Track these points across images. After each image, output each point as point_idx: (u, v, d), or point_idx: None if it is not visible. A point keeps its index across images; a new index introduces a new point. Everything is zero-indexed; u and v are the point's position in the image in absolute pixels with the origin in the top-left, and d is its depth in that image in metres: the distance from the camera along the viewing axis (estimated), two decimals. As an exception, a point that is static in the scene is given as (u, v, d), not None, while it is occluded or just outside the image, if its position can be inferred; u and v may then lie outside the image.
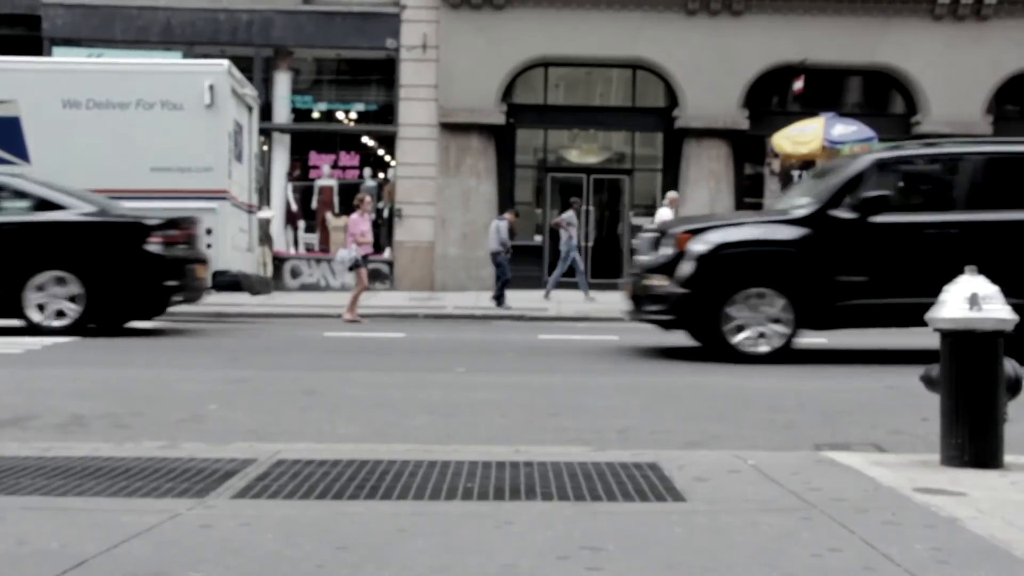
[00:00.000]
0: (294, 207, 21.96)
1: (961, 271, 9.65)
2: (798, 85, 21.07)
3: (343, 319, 14.39)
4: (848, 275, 8.79)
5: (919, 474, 3.73)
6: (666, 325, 9.25)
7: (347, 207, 19.77)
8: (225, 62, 14.52)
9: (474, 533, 2.89)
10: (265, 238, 19.04)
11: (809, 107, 19.77)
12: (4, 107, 13.92)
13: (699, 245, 8.79)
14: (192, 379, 7.16)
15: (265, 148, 20.80)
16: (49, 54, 20.47)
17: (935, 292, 9.17)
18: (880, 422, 5.64)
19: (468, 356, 9.11)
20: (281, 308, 16.33)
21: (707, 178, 21.25)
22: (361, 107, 22.21)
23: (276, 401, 6.23)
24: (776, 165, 21.32)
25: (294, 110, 21.96)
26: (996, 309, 3.82)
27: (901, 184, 9.98)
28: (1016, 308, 9.49)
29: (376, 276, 20.23)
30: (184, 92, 13.99)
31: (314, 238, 21.99)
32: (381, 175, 22.30)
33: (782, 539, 2.85)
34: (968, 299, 3.81)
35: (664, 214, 17.28)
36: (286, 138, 21.97)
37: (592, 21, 20.97)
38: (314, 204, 21.94)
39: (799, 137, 17.51)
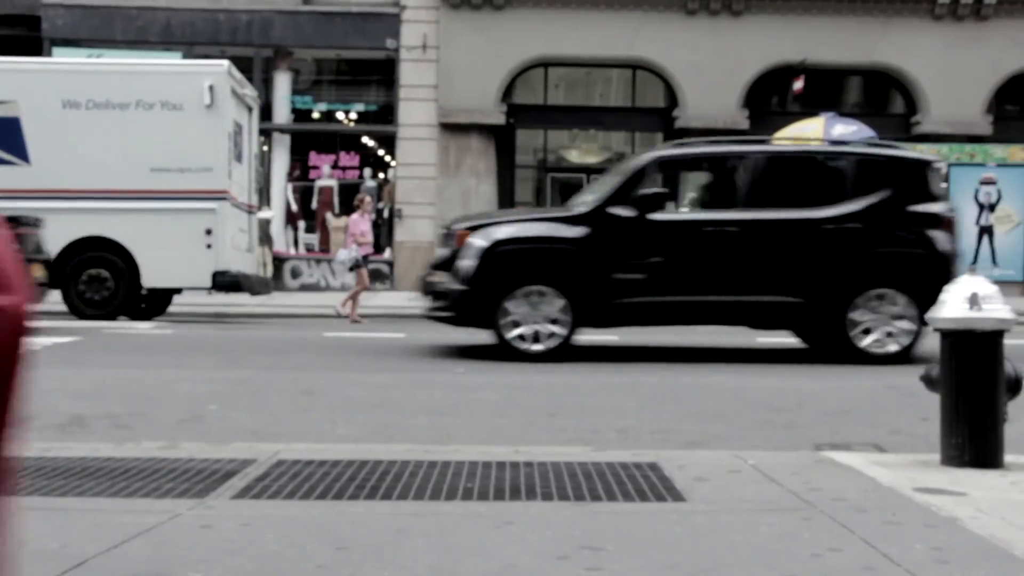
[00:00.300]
0: (294, 207, 21.97)
1: (739, 269, 9.88)
2: (798, 85, 21.08)
3: (348, 317, 14.39)
4: (626, 273, 8.79)
5: (919, 474, 3.73)
6: (447, 322, 9.24)
7: (347, 207, 19.78)
8: (225, 62, 14.52)
9: (474, 533, 2.89)
10: (265, 238, 19.04)
11: (809, 107, 19.78)
12: (4, 107, 13.91)
13: (477, 242, 8.82)
14: (192, 379, 7.16)
15: (265, 148, 20.80)
16: (49, 54, 20.48)
17: (712, 290, 9.43)
18: (880, 422, 5.64)
19: (468, 356, 9.11)
20: (281, 308, 16.34)
21: (707, 178, 21.25)
22: (361, 107, 22.21)
23: (276, 401, 6.23)
24: (776, 165, 21.30)
25: (294, 110, 21.96)
26: (996, 309, 3.81)
27: (683, 182, 10.01)
28: (791, 306, 9.64)
29: (376, 276, 20.23)
30: (184, 92, 13.98)
31: (314, 238, 21.99)
32: (381, 175, 22.31)
33: (782, 539, 2.85)
34: (968, 299, 3.81)
35: None
36: (286, 138, 21.97)
37: (592, 21, 20.98)
38: (314, 204, 21.95)
39: (799, 137, 17.51)
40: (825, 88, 21.45)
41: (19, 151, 13.93)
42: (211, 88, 13.95)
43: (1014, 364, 3.90)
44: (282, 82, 21.81)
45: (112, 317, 13.40)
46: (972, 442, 3.80)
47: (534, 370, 8.13)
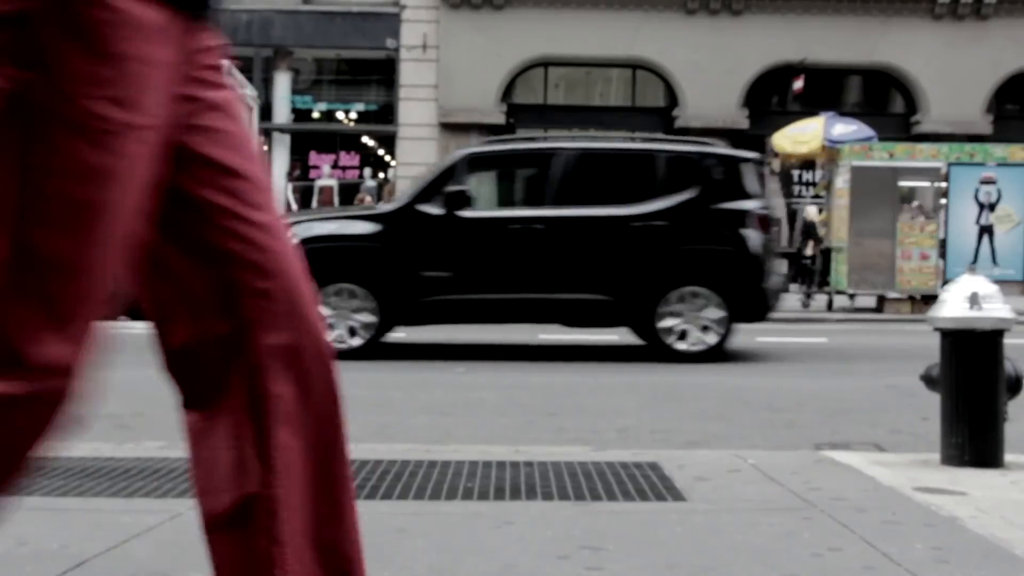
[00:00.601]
0: (294, 207, 21.94)
1: (548, 267, 9.98)
2: (798, 84, 21.08)
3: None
4: (434, 271, 8.81)
5: (919, 473, 3.73)
6: None
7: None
8: (224, 62, 14.53)
9: (474, 533, 2.89)
10: (265, 238, 19.02)
11: (809, 106, 19.79)
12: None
13: None
14: (192, 379, 7.14)
15: (265, 148, 20.81)
16: (49, 54, 20.47)
17: (522, 288, 9.50)
18: (880, 421, 5.65)
19: (468, 356, 9.11)
20: (281, 308, 16.33)
21: (707, 178, 21.25)
22: (361, 107, 22.22)
23: (276, 401, 6.22)
24: (776, 164, 21.34)
25: (294, 110, 21.97)
26: (996, 308, 3.81)
27: (495, 179, 10.01)
28: (601, 304, 9.73)
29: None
30: (184, 92, 13.99)
31: (314, 238, 21.98)
32: (381, 175, 22.31)
33: (782, 539, 2.85)
34: (968, 298, 3.81)
35: None
36: (286, 138, 21.97)
37: (592, 21, 20.98)
38: (314, 204, 21.93)
39: (799, 136, 17.54)
40: (825, 88, 21.45)
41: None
42: (211, 88, 13.96)
43: (1014, 363, 3.90)
44: (282, 82, 21.82)
45: (112, 317, 13.40)
46: (972, 442, 3.80)
47: (534, 370, 8.13)
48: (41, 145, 1.20)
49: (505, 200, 10.22)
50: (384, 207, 9.23)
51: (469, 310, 9.00)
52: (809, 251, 18.10)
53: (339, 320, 8.76)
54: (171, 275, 1.41)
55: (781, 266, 9.83)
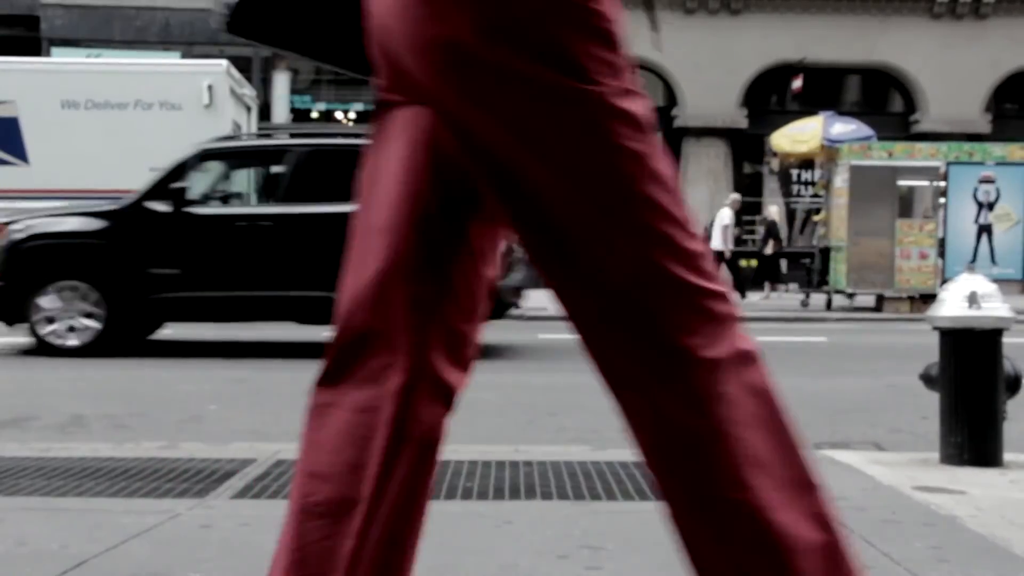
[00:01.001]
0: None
1: (278, 264, 10.00)
2: (797, 84, 21.10)
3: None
4: (161, 268, 8.82)
5: (918, 472, 3.74)
6: None
7: (346, 207, 19.80)
8: (223, 62, 14.53)
9: (474, 533, 2.89)
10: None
11: (808, 106, 19.81)
12: (3, 107, 13.92)
13: (12, 236, 8.95)
14: (192, 379, 7.16)
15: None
16: (48, 54, 20.48)
17: (252, 285, 9.51)
18: (880, 421, 5.65)
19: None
20: (280, 308, 16.32)
21: (706, 177, 21.29)
22: (360, 107, 22.22)
23: (276, 401, 6.23)
24: (775, 164, 21.37)
25: (293, 110, 21.98)
26: (995, 307, 3.82)
27: (226, 175, 10.04)
28: (328, 301, 9.64)
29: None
30: (182, 92, 13.99)
31: (313, 238, 22.01)
32: (380, 175, 22.33)
33: (782, 538, 2.84)
34: (967, 297, 3.81)
35: (725, 215, 17.26)
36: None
37: (591, 20, 20.99)
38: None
39: (798, 136, 17.54)
40: (824, 87, 21.47)
41: (18, 151, 13.94)
42: (210, 88, 13.95)
43: (1013, 362, 3.90)
44: (281, 82, 21.82)
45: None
46: (971, 441, 3.80)
47: (534, 370, 8.13)
48: (611, 149, 1.28)
49: (236, 197, 10.27)
50: (113, 204, 9.19)
51: (199, 307, 9.00)
52: (769, 250, 18.14)
53: (66, 317, 8.83)
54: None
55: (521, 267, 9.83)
